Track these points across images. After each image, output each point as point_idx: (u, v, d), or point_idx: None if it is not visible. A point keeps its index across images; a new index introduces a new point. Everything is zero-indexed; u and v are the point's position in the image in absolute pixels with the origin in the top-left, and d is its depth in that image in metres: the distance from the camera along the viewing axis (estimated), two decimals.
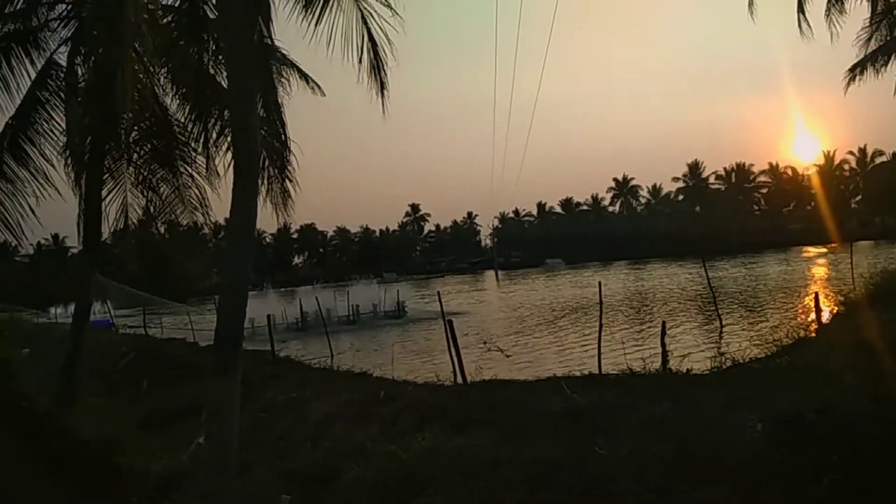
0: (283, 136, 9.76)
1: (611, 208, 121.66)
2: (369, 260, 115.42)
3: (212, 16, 8.77)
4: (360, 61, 8.93)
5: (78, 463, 8.42)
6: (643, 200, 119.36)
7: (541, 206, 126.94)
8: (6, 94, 10.73)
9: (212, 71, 10.13)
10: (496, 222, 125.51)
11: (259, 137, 7.58)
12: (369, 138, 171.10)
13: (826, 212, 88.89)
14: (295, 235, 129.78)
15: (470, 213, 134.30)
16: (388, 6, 7.78)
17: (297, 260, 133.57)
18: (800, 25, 15.72)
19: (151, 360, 15.72)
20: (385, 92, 9.41)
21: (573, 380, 8.45)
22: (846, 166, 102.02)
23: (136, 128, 11.73)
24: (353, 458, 6.71)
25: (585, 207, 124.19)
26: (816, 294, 11.71)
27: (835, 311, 11.68)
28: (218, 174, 11.21)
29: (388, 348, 20.31)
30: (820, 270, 43.74)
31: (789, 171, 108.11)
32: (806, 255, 67.97)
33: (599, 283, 13.05)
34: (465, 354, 12.87)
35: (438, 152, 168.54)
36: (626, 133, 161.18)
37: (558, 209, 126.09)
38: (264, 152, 9.71)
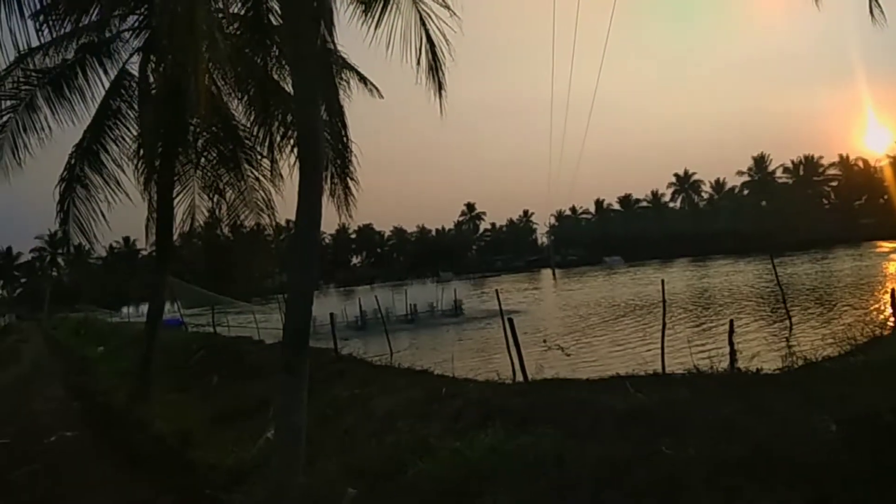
0: (344, 138, 9.97)
1: (671, 204, 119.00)
2: (426, 259, 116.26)
3: (276, 23, 9.02)
4: (418, 63, 9.01)
5: (153, 456, 8.82)
6: (705, 196, 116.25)
7: (598, 202, 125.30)
8: (83, 104, 11.33)
9: (276, 76, 10.42)
10: (553, 220, 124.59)
11: (323, 140, 7.76)
12: (426, 138, 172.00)
13: None
14: (353, 236, 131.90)
15: (526, 212, 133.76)
16: (447, 7, 7.85)
17: (355, 260, 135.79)
18: (871, 10, 14.97)
19: (220, 357, 16.24)
20: (443, 92, 9.47)
21: (637, 379, 8.31)
22: None
23: (204, 133, 12.17)
24: (417, 454, 6.78)
25: (645, 204, 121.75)
26: (893, 290, 11.15)
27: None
28: (282, 176, 11.54)
29: (446, 346, 20.43)
30: (890, 267, 41.61)
31: (860, 164, 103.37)
32: (880, 250, 64.68)
33: (662, 280, 12.76)
34: (525, 353, 12.82)
35: (495, 151, 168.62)
36: (687, 127, 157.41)
37: (616, 206, 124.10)
38: (328, 154, 9.94)
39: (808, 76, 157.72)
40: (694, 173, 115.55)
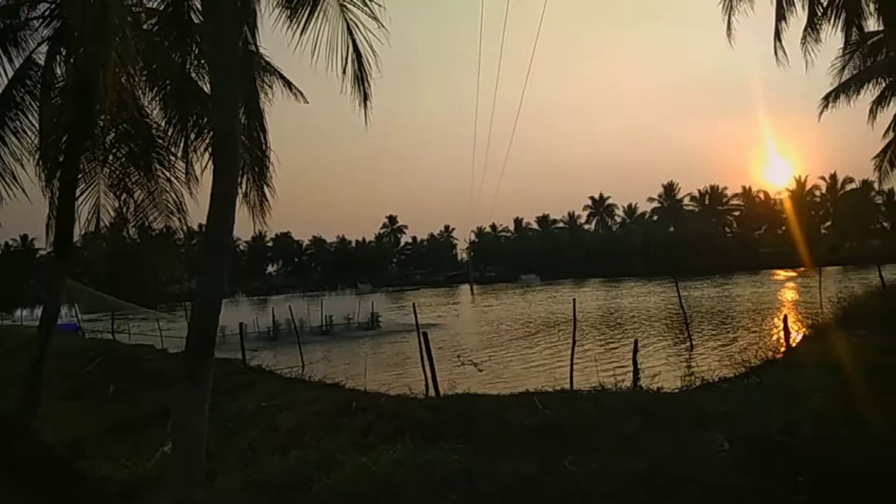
0: (263, 143, 9.72)
1: (587, 226, 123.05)
2: (344, 270, 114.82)
3: (197, 21, 8.73)
4: (344, 72, 8.93)
5: (40, 467, 8.23)
6: (618, 219, 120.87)
7: (518, 221, 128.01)
8: None
9: (194, 75, 10.06)
10: (473, 236, 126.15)
11: (240, 143, 7.55)
12: (349, 148, 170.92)
13: (796, 236, 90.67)
14: (270, 243, 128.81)
15: (447, 227, 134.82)
16: (374, 18, 7.82)
17: (270, 268, 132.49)
18: (776, 53, 16.08)
19: (119, 365, 15.43)
20: (368, 103, 9.42)
21: (546, 395, 8.49)
22: (817, 192, 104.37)
23: (113, 130, 11.58)
24: (323, 470, 6.65)
25: (562, 224, 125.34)
26: (785, 317, 11.93)
27: (804, 334, 11.90)
28: (197, 179, 11.11)
29: (360, 360, 20.19)
30: (790, 294, 44.54)
31: (762, 195, 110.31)
32: (776, 278, 69.13)
33: (574, 300, 13.15)
34: (439, 368, 12.82)
35: (418, 165, 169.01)
36: (604, 152, 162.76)
37: (535, 225, 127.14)
38: (244, 158, 9.66)
39: (717, 110, 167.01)
40: (608, 197, 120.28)
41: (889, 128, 20.97)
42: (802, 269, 69.73)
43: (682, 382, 9.18)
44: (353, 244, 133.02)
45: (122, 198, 12.19)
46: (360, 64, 9.09)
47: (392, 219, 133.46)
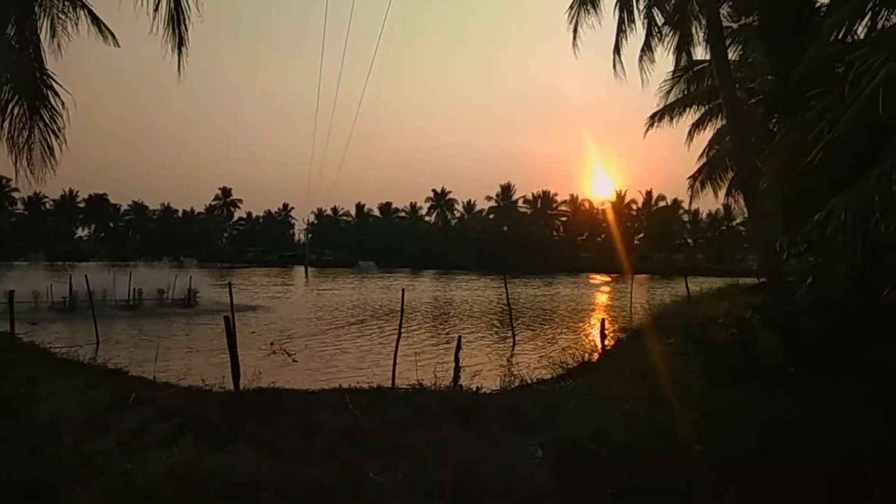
0: (39, 75, 8.02)
1: (427, 218, 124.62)
2: (168, 242, 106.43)
3: None
4: (156, 8, 7.68)
5: None
6: (458, 214, 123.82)
7: (359, 207, 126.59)
8: None
9: None
10: (312, 218, 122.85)
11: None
12: (182, 111, 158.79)
13: (613, 244, 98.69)
14: (82, 205, 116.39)
15: (286, 205, 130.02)
16: None
17: (81, 232, 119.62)
18: (615, 66, 16.67)
19: None
20: (184, 49, 8.23)
21: (360, 393, 7.81)
22: (634, 206, 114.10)
23: None
24: (77, 477, 5.47)
25: (403, 214, 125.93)
26: (603, 321, 12.28)
27: (618, 338, 12.32)
28: None
29: (165, 341, 18.20)
30: (605, 297, 47.89)
31: (587, 204, 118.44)
32: (593, 281, 74.44)
33: (402, 290, 12.58)
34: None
35: (259, 138, 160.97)
36: (448, 147, 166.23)
37: (377, 212, 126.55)
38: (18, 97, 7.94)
39: (558, 118, 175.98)
40: (450, 192, 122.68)
41: (703, 151, 22.81)
42: (616, 274, 75.89)
43: (502, 383, 8.96)
44: (180, 214, 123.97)
45: None
46: (178, 2, 7.83)
47: (226, 191, 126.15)
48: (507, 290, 21.96)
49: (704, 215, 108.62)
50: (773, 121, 14.88)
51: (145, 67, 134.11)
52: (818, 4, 14.59)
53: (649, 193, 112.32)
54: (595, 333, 25.11)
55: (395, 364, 10.35)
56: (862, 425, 7.04)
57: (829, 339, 10.30)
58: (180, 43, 8.18)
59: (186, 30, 8.17)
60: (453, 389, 8.24)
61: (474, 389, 8.23)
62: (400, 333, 11.48)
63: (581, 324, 29.00)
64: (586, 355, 11.25)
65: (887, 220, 8.45)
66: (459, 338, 9.26)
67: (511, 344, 19.52)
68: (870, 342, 10.02)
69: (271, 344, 13.18)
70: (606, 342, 12.53)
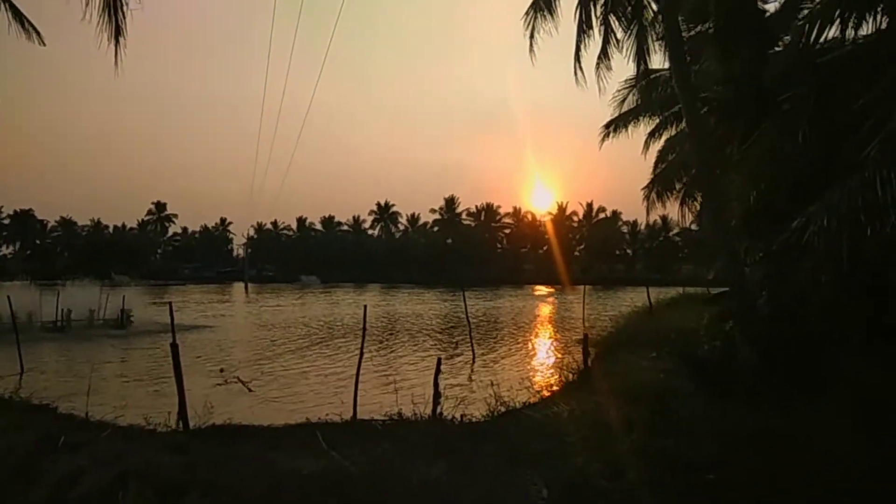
0: None
1: (371, 231, 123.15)
2: (99, 259, 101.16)
3: None
4: None
5: None
6: (402, 227, 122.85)
7: (301, 220, 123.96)
8: None
9: None
10: (252, 232, 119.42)
11: None
12: (113, 119, 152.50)
13: (555, 256, 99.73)
14: (6, 221, 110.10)
15: (223, 220, 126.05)
16: None
17: (6, 250, 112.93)
18: (575, 73, 16.34)
19: None
20: (121, 39, 7.23)
21: (332, 428, 6.90)
22: (575, 217, 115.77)
23: None
24: None
25: (346, 228, 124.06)
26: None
27: (595, 354, 11.75)
28: None
29: (100, 367, 16.60)
30: (550, 309, 47.86)
31: (529, 216, 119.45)
32: (537, 293, 74.73)
33: (365, 307, 11.61)
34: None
35: (196, 150, 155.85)
36: (392, 160, 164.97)
37: (319, 226, 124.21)
38: None
39: (505, 130, 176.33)
40: (394, 205, 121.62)
41: (655, 162, 22.76)
42: (558, 286, 76.52)
43: (486, 408, 8.21)
44: (111, 230, 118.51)
45: None
46: None
47: (160, 205, 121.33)
48: (465, 303, 21.25)
49: (643, 226, 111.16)
50: (727, 128, 14.80)
51: (74, 70, 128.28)
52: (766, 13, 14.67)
53: (590, 205, 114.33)
54: (545, 345, 24.74)
55: (356, 392, 9.27)
56: (849, 447, 6.73)
57: (799, 351, 10.08)
58: (117, 32, 7.22)
59: (125, 17, 7.19)
60: (435, 418, 7.44)
61: (459, 418, 7.46)
62: (362, 354, 10.54)
63: (540, 336, 28.59)
64: (568, 374, 10.60)
65: (874, 224, 8.19)
66: (439, 360, 8.46)
67: (488, 362, 18.72)
68: (834, 353, 9.85)
69: (221, 371, 11.88)
70: (576, 357, 11.93)
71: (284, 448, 6.01)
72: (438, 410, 7.65)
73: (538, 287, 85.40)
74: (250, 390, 11.38)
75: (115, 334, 26.56)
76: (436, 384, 7.90)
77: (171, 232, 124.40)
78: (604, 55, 17.44)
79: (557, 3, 16.21)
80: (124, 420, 7.71)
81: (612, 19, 17.16)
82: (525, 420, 7.32)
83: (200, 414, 7.30)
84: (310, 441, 6.10)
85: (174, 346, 7.56)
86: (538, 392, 10.07)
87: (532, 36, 16.84)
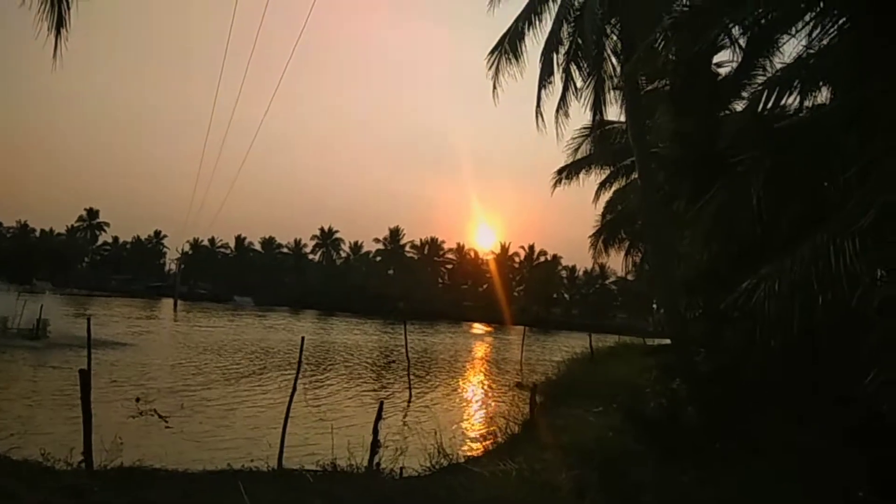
0: None
1: (312, 256, 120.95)
2: (21, 264, 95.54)
3: None
4: None
5: None
6: (344, 255, 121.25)
7: (240, 239, 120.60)
8: None
9: None
10: (187, 247, 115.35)
11: None
12: (47, 119, 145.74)
13: (495, 295, 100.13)
14: None
15: (158, 232, 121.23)
16: None
17: None
18: (537, 118, 16.45)
19: None
20: (63, 31, 6.66)
21: (257, 477, 6.22)
22: (517, 258, 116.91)
23: None
24: None
25: (287, 251, 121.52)
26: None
27: (539, 404, 11.40)
28: None
29: (4, 384, 15.13)
30: (486, 348, 47.64)
31: (472, 254, 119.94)
32: (474, 330, 74.54)
33: (302, 338, 10.91)
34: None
35: (136, 157, 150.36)
36: (338, 186, 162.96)
37: (258, 247, 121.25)
38: None
39: (453, 168, 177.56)
40: (337, 231, 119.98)
41: (603, 211, 23.07)
42: (496, 325, 76.66)
43: (427, 460, 7.68)
44: (38, 234, 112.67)
45: None
46: None
47: (92, 212, 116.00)
48: (406, 339, 20.63)
49: (581, 273, 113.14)
50: (675, 185, 15.04)
51: (7, 59, 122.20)
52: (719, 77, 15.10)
53: (531, 247, 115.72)
54: (484, 387, 24.28)
55: (283, 436, 8.51)
56: None
57: (738, 412, 10.03)
58: (59, 23, 6.64)
59: (69, 8, 6.62)
60: (373, 471, 6.86)
61: (398, 472, 6.90)
62: (294, 390, 9.81)
63: (478, 377, 28.16)
64: (514, 425, 10.18)
65: (825, 293, 8.20)
66: (381, 403, 7.91)
67: (408, 398, 18.10)
68: (773, 416, 9.82)
69: (137, 400, 10.89)
70: (520, 405, 11.56)
71: (199, 501, 5.33)
72: (376, 461, 7.08)
73: (475, 324, 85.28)
74: (168, 426, 10.43)
75: (27, 345, 24.71)
76: (375, 431, 7.34)
77: (101, 240, 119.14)
78: (563, 102, 17.64)
79: (523, 46, 16.33)
80: (20, 452, 6.81)
81: (573, 68, 17.40)
82: (471, 478, 6.83)
83: (109, 451, 6.48)
84: (230, 492, 5.43)
85: (83, 373, 6.74)
86: (482, 439, 9.61)
87: (496, 76, 16.92)
